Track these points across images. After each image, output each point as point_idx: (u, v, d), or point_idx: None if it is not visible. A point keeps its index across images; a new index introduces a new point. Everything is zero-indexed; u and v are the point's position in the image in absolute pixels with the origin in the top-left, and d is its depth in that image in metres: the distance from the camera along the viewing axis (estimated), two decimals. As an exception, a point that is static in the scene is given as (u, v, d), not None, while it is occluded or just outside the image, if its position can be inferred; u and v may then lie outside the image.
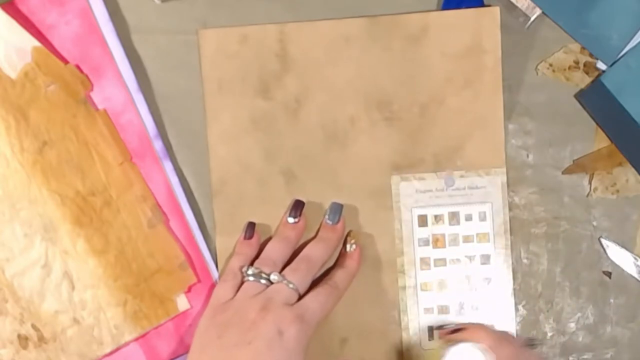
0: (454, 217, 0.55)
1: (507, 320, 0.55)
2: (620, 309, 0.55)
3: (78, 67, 0.55)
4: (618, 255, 0.55)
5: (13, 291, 0.54)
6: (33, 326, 0.54)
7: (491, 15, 0.54)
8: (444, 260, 0.55)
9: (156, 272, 0.54)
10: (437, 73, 0.54)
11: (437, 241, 0.55)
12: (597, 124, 0.55)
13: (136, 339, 0.55)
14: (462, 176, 0.55)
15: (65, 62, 0.54)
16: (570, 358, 0.55)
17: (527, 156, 0.55)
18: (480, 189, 0.55)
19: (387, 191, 0.55)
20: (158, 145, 0.55)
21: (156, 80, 0.55)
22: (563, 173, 0.55)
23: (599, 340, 0.55)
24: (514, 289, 0.55)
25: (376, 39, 0.55)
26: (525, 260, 0.55)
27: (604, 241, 0.55)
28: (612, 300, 0.55)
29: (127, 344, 0.55)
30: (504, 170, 0.54)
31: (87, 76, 0.55)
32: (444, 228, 0.55)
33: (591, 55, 0.55)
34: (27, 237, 0.54)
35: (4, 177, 0.54)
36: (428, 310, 0.55)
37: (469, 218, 0.55)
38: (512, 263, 0.55)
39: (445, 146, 0.55)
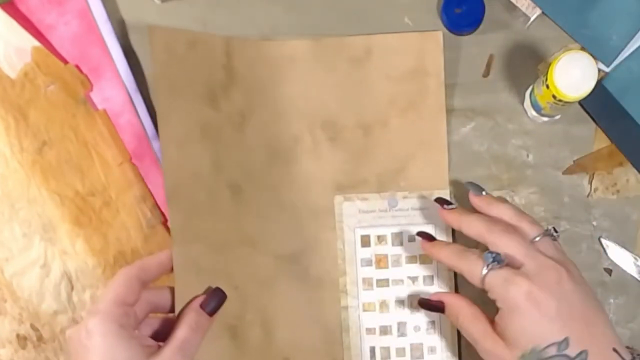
0: (397, 238, 0.54)
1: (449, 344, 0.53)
2: (620, 309, 0.54)
3: (77, 67, 0.55)
4: (618, 255, 0.55)
5: (12, 291, 0.54)
6: (32, 326, 0.54)
7: (434, 39, 0.54)
8: (386, 280, 0.54)
9: (155, 272, 0.54)
10: (381, 95, 0.54)
11: (380, 261, 0.54)
12: (597, 125, 0.55)
13: (135, 339, 0.55)
14: (405, 197, 0.54)
15: (65, 62, 0.54)
16: (571, 359, 0.55)
17: (527, 156, 0.55)
18: (424, 210, 0.54)
19: (330, 211, 0.54)
20: (157, 145, 0.55)
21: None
22: (563, 173, 0.55)
23: (600, 341, 0.55)
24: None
25: (321, 60, 0.54)
26: (525, 261, 0.55)
27: (604, 241, 0.55)
28: (612, 300, 0.55)
29: (126, 344, 0.55)
30: (447, 192, 0.54)
31: (86, 76, 0.55)
32: (387, 249, 0.54)
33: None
34: (26, 237, 0.54)
35: (3, 177, 0.54)
36: (370, 331, 0.54)
37: (412, 239, 0.54)
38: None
39: (388, 167, 0.54)
